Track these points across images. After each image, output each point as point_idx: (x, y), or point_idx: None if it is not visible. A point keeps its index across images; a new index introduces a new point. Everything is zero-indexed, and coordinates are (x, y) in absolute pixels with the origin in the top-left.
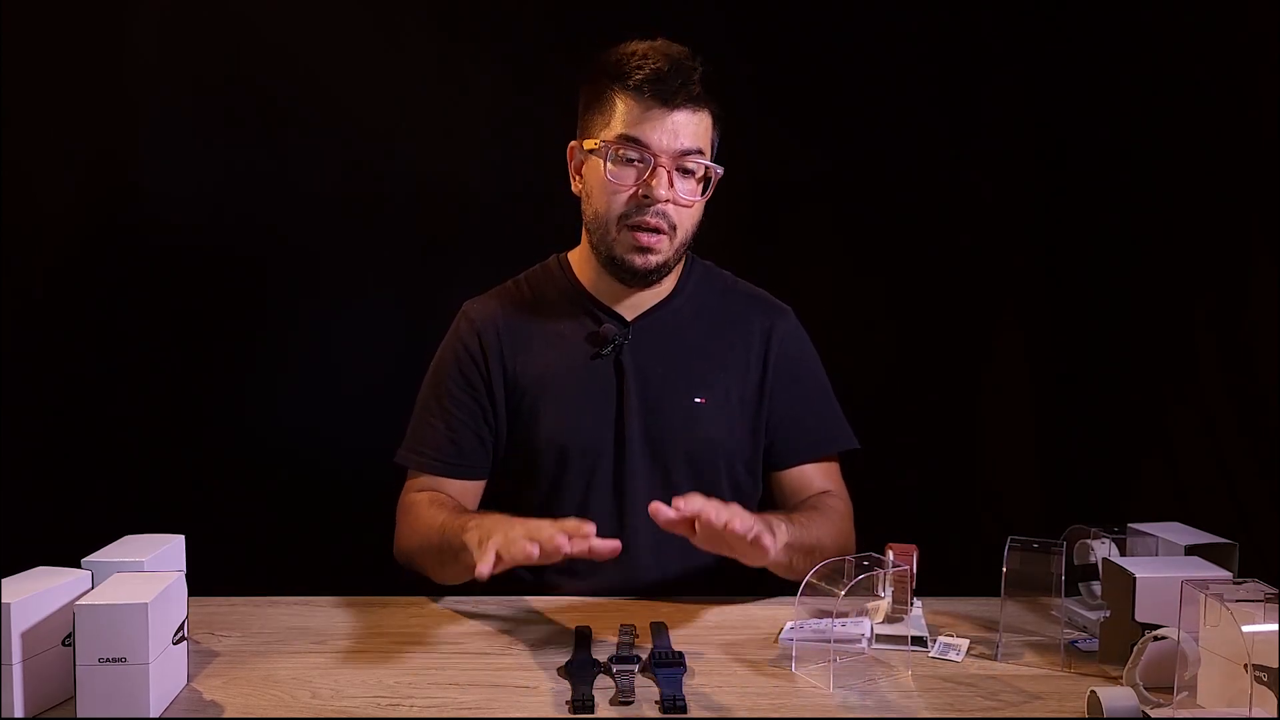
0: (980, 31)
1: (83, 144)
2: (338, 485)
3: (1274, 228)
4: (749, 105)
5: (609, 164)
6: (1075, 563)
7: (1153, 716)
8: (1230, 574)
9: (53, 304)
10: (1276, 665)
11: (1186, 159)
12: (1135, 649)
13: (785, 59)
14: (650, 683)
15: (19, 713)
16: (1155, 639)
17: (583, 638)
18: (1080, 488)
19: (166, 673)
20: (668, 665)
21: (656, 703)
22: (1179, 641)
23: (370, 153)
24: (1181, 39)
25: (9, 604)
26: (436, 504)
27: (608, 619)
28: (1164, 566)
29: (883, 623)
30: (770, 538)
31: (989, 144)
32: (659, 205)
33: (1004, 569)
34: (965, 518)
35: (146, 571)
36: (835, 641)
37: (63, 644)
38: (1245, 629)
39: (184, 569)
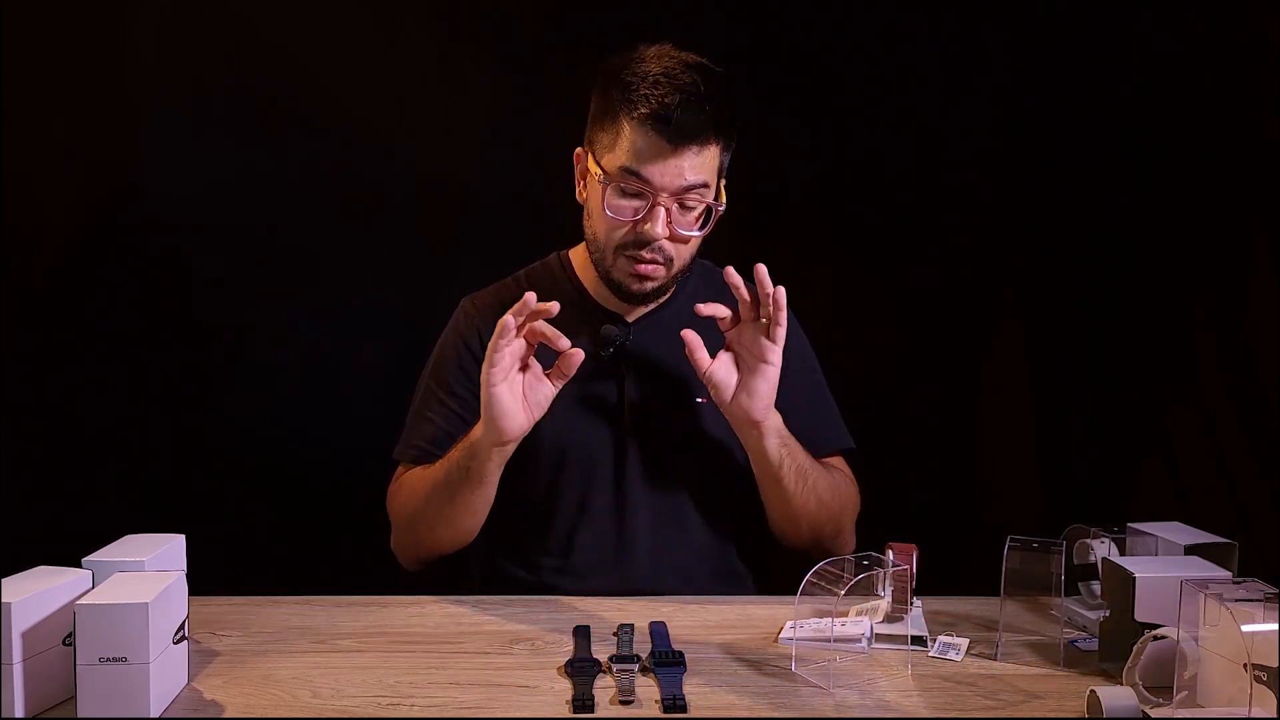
0: (980, 31)
1: (83, 144)
2: (338, 485)
3: (1274, 228)
4: (749, 105)
5: (609, 196)
6: (1075, 562)
7: (1153, 716)
8: (1230, 574)
9: (53, 304)
10: (1276, 665)
11: (1186, 159)
12: (1135, 648)
13: (785, 59)
14: (650, 682)
15: (19, 712)
16: (1155, 639)
17: (583, 637)
18: (1080, 487)
19: (167, 672)
20: (668, 665)
21: (657, 702)
22: (1179, 641)
23: (370, 153)
24: (1181, 39)
25: (9, 604)
26: (427, 469)
27: (608, 619)
28: (1164, 566)
29: (882, 622)
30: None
31: (989, 144)
32: (656, 242)
33: (1004, 568)
34: (965, 518)
35: (147, 571)
36: (835, 641)
37: (63, 643)
38: (1245, 628)
39: (184, 569)
